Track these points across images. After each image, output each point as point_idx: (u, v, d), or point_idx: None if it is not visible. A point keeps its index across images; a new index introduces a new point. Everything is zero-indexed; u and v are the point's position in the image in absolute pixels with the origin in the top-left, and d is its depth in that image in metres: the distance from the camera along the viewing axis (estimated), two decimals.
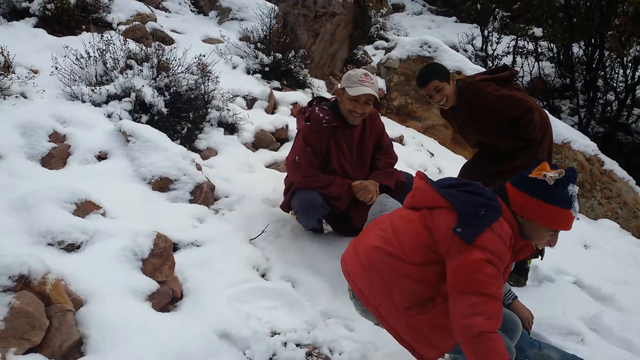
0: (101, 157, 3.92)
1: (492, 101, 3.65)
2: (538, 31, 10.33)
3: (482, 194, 2.30)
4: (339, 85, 3.67)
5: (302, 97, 6.34)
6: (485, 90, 3.67)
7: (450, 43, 12.22)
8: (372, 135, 3.87)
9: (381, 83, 7.75)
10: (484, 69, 7.85)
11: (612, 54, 9.95)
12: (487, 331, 2.06)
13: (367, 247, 2.47)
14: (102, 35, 5.13)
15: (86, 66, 4.78)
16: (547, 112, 6.90)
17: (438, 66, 3.89)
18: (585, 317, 3.67)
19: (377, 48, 11.37)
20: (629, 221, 6.93)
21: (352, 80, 3.54)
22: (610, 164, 7.20)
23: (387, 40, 11.56)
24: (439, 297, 2.27)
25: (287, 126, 5.48)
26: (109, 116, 4.38)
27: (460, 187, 2.39)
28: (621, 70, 10.28)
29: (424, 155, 6.49)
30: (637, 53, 9.89)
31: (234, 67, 6.61)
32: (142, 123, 4.33)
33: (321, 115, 3.62)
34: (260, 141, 5.18)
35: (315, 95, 6.86)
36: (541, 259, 4.04)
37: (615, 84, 10.56)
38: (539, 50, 11.30)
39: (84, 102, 4.45)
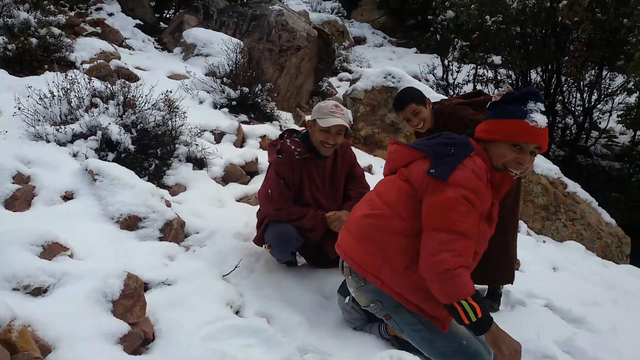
0: (67, 197, 3.84)
1: (468, 125, 3.69)
2: (497, 59, 10.63)
3: (451, 138, 2.34)
4: (310, 117, 3.69)
5: (270, 130, 6.35)
6: (462, 114, 3.71)
7: (412, 73, 12.46)
8: (343, 166, 3.89)
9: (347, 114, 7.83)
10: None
11: (569, 79, 10.27)
12: (453, 268, 2.07)
13: (356, 218, 2.51)
14: (66, 74, 5.08)
15: (50, 105, 4.72)
16: None
17: (415, 90, 3.94)
18: (559, 340, 3.69)
19: (341, 80, 11.55)
20: (594, 242, 7.08)
21: (322, 111, 3.57)
22: (573, 186, 7.38)
23: (350, 72, 11.76)
24: None
25: (256, 159, 5.48)
26: (75, 155, 4.31)
27: (429, 139, 2.45)
28: (578, 95, 10.61)
29: None
30: (592, 78, 10.24)
31: (201, 102, 6.60)
32: (109, 161, 4.27)
33: (293, 147, 3.62)
34: (230, 175, 5.16)
35: (283, 128, 6.89)
36: (511, 283, 4.07)
37: (573, 108, 10.89)
38: (499, 77, 11.61)
39: (48, 141, 4.37)
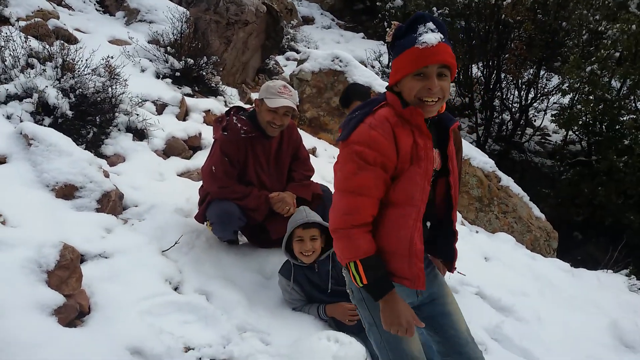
0: (0, 161, 3.64)
1: None
2: None
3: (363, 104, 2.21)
4: (258, 96, 3.65)
5: (215, 105, 6.23)
6: None
7: (358, 58, 12.48)
8: (289, 147, 3.88)
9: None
10: None
11: (508, 76, 10.59)
12: (341, 227, 2.02)
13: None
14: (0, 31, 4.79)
15: None
16: None
17: (359, 87, 4.01)
18: (488, 327, 3.85)
19: (288, 59, 11.42)
20: (524, 235, 7.37)
21: (270, 91, 3.53)
22: (507, 180, 7.64)
23: (297, 51, 11.65)
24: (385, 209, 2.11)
25: (200, 134, 5.37)
26: (8, 117, 4.10)
27: None
28: (516, 92, 10.96)
29: None
30: (530, 76, 10.59)
31: (143, 71, 6.39)
32: (45, 126, 4.07)
33: (239, 125, 3.58)
34: (172, 149, 5.03)
35: (228, 104, 6.77)
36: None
37: (510, 105, 11.25)
38: None
39: None
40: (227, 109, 3.90)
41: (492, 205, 7.45)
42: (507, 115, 11.39)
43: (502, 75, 10.73)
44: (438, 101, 2.02)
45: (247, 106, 3.93)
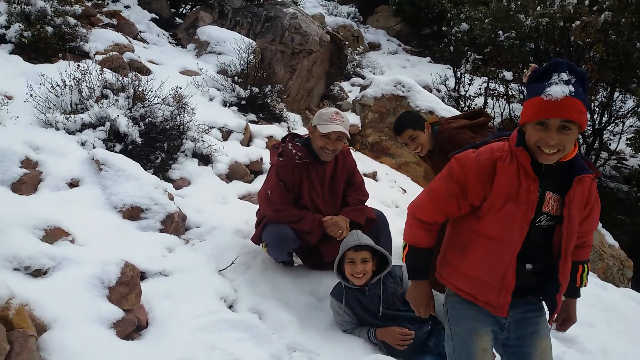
0: (73, 184, 3.92)
1: None
2: (508, 74, 10.64)
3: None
4: (312, 123, 3.76)
5: (277, 131, 6.42)
6: (460, 137, 3.75)
7: (424, 83, 12.52)
8: (343, 172, 3.95)
9: (356, 119, 7.88)
10: (456, 110, 8.05)
11: None
12: (410, 213, 2.35)
13: None
14: (78, 64, 5.17)
15: (61, 94, 4.80)
16: None
17: (413, 115, 4.01)
18: None
19: (353, 85, 11.58)
20: (595, 263, 7.07)
21: (323, 118, 3.65)
22: None
23: (363, 77, 11.79)
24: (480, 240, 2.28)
25: (261, 159, 5.54)
26: (83, 144, 4.39)
27: None
28: (589, 115, 10.60)
29: (397, 191, 6.58)
30: (603, 99, 10.22)
31: (211, 99, 6.67)
32: (116, 152, 4.35)
33: (294, 151, 3.69)
34: (234, 173, 5.23)
35: (290, 129, 6.95)
36: None
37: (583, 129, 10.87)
38: (510, 92, 11.61)
39: (57, 129, 4.45)
40: (284, 136, 4.04)
41: None
42: (580, 139, 11.01)
43: None
44: (557, 153, 2.02)
45: (304, 133, 4.05)
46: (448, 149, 3.79)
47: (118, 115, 4.59)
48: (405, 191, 6.80)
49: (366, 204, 4.08)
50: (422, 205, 2.29)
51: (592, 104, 10.29)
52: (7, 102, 4.49)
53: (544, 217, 2.15)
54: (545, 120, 1.99)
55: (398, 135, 3.95)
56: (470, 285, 2.27)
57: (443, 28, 13.72)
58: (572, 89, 1.96)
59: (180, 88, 5.49)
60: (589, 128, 10.78)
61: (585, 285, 2.46)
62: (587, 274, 2.48)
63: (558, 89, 1.95)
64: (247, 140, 6.06)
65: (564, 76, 1.98)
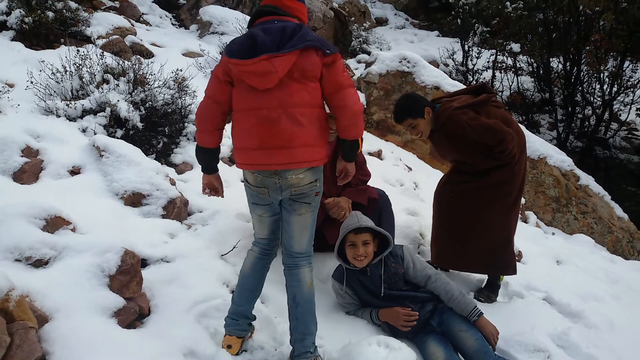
0: (74, 172, 3.93)
1: (465, 129, 3.68)
2: (516, 47, 10.46)
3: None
4: None
5: None
6: (460, 118, 3.69)
7: (431, 57, 12.36)
8: None
9: (361, 97, 7.81)
10: (462, 85, 7.95)
11: (590, 69, 10.10)
12: (362, 110, 2.72)
13: None
14: (79, 50, 5.14)
15: (62, 80, 4.80)
16: (521, 127, 6.98)
17: (410, 102, 3.91)
18: (553, 333, 3.70)
19: (359, 62, 11.44)
20: (604, 236, 7.03)
21: None
22: (586, 179, 7.30)
23: (369, 53, 11.64)
24: None
25: None
26: (84, 131, 4.39)
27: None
28: (598, 86, 10.43)
29: (401, 169, 6.54)
30: (613, 69, 10.05)
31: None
32: (117, 138, 4.35)
33: None
34: None
35: None
36: (515, 274, 4.09)
37: (592, 99, 10.72)
38: (518, 65, 11.44)
39: (58, 116, 4.46)
40: None
41: (570, 205, 7.15)
42: (590, 110, 10.85)
43: (584, 69, 10.24)
44: None
45: None
46: (448, 129, 3.75)
47: (118, 100, 4.58)
48: (410, 169, 6.76)
49: (370, 183, 4.05)
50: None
51: (602, 74, 10.13)
52: (9, 90, 4.50)
53: None
54: None
55: (398, 123, 3.90)
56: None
57: (450, 0, 13.51)
58: None
59: (181, 70, 5.46)
60: (598, 98, 10.64)
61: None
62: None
63: None
64: None
65: None
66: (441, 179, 4.27)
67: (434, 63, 11.52)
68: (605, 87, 10.33)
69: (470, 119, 3.65)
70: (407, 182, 6.04)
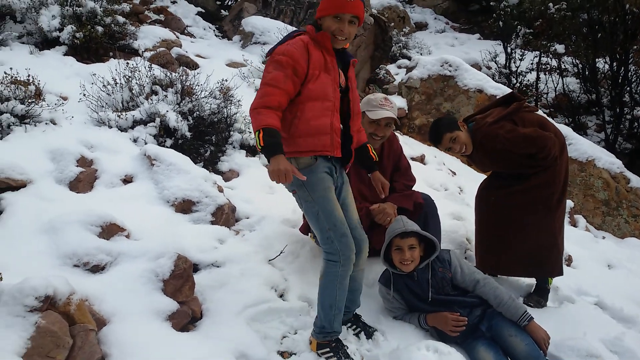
0: (127, 180, 4.06)
1: (504, 144, 3.67)
2: (560, 48, 10.27)
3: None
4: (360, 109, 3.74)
5: None
6: (497, 134, 3.70)
7: (473, 60, 12.24)
8: (390, 158, 3.93)
9: (402, 102, 7.81)
10: (506, 87, 7.85)
11: (638, 69, 9.82)
12: (254, 107, 2.69)
13: None
14: (127, 63, 5.32)
15: (113, 92, 4.96)
16: (568, 128, 6.83)
17: (444, 119, 3.95)
18: (606, 338, 3.62)
19: (399, 67, 11.44)
20: None
21: (372, 104, 3.63)
22: (637, 181, 7.11)
23: (409, 58, 11.62)
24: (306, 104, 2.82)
25: None
26: (135, 141, 4.54)
27: None
28: None
29: (445, 174, 6.50)
30: None
31: (257, 90, 6.73)
32: (167, 147, 4.47)
33: None
34: None
35: None
36: (561, 274, 4.02)
37: None
38: (563, 66, 11.22)
39: (110, 127, 4.61)
40: None
41: (621, 208, 6.97)
42: (639, 110, 10.54)
43: (631, 69, 9.97)
44: (345, 40, 2.82)
45: None
46: (487, 146, 3.74)
47: (167, 111, 4.71)
48: (454, 173, 6.71)
49: (414, 188, 4.05)
50: (265, 94, 2.68)
51: None
52: (63, 103, 4.68)
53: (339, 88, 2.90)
54: (341, 14, 2.75)
55: (438, 144, 3.88)
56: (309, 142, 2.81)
57: (491, 3, 13.38)
58: None
59: (226, 80, 5.57)
60: None
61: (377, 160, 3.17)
62: (373, 149, 3.21)
63: None
64: None
65: None
66: (482, 183, 4.25)
67: (476, 66, 11.39)
68: None
69: (507, 132, 3.65)
70: (451, 187, 6.00)
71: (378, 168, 3.85)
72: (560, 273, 3.97)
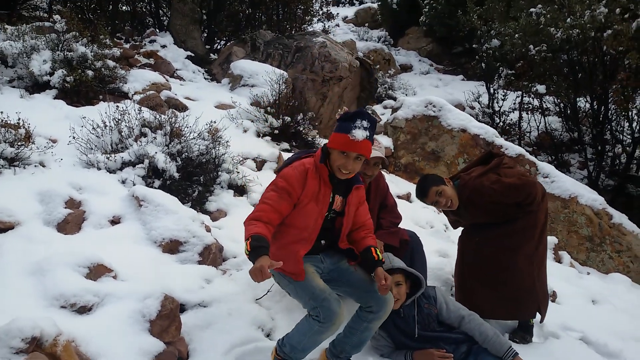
0: (115, 221, 4.10)
1: (492, 195, 3.77)
2: (541, 88, 10.52)
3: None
4: None
5: None
6: (484, 186, 3.81)
7: (457, 101, 12.50)
8: (377, 196, 4.01)
9: (388, 142, 7.94)
10: (489, 127, 8.01)
11: (618, 107, 10.06)
12: (246, 219, 2.86)
13: None
14: (117, 105, 5.41)
15: (102, 135, 5.04)
16: (551, 166, 6.96)
17: (430, 176, 4.06)
18: None
19: (385, 107, 11.65)
20: None
21: None
22: (619, 217, 7.21)
23: (394, 99, 11.86)
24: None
25: None
26: (123, 182, 4.59)
27: None
28: (627, 123, 10.37)
29: (431, 211, 6.58)
30: None
31: (245, 131, 6.84)
32: (155, 188, 4.52)
33: None
34: None
35: None
36: (541, 321, 4.10)
37: (622, 137, 10.64)
38: (545, 105, 11.47)
39: (99, 169, 4.67)
40: None
41: (605, 244, 7.05)
42: (620, 148, 10.76)
43: (612, 107, 10.22)
44: (349, 174, 2.97)
45: None
46: (475, 199, 3.84)
47: (156, 152, 4.78)
48: (440, 211, 6.79)
49: (400, 225, 4.12)
50: (257, 209, 2.89)
51: (630, 112, 10.08)
52: (52, 146, 4.74)
53: (332, 212, 3.09)
54: (347, 152, 2.88)
55: (425, 198, 3.95)
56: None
57: (474, 45, 13.72)
58: (368, 133, 2.86)
59: (215, 122, 5.67)
60: (627, 137, 10.56)
61: (382, 260, 3.16)
62: (377, 250, 3.22)
63: (360, 133, 2.84)
64: None
65: (365, 124, 2.85)
66: (463, 230, 4.32)
67: (460, 106, 11.64)
68: (634, 124, 10.25)
69: (493, 183, 3.76)
70: (437, 224, 6.07)
71: (369, 207, 3.94)
72: (532, 316, 4.02)
